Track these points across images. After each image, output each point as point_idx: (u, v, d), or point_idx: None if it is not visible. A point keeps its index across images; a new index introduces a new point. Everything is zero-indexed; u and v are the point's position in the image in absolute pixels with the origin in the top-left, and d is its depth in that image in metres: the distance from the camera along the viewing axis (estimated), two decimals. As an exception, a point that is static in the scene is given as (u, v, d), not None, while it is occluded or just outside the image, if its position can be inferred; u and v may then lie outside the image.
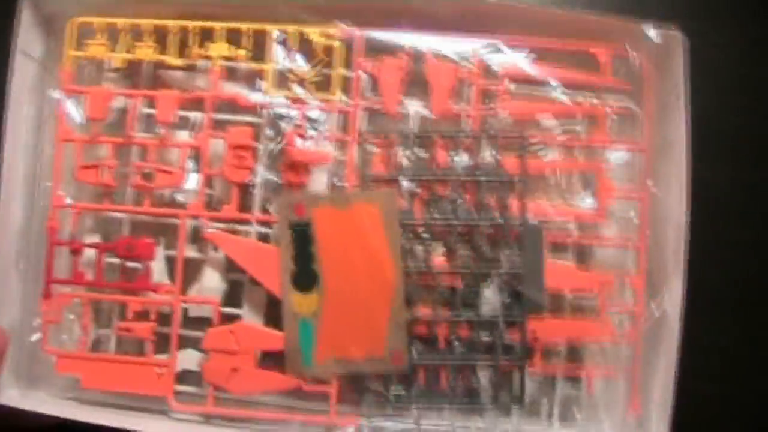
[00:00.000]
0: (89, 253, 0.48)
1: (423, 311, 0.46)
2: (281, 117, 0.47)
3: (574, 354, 0.48)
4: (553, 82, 0.47)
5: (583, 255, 0.48)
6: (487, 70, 0.47)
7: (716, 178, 0.47)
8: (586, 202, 0.48)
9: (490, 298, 0.46)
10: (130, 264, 0.47)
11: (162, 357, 0.47)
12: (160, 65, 0.49)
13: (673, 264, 0.45)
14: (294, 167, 0.46)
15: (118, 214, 0.49)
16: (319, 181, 0.48)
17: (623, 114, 0.47)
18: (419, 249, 0.46)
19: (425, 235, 0.46)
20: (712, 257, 0.47)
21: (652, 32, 0.46)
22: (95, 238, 0.48)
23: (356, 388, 0.46)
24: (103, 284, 0.47)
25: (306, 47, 0.48)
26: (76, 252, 0.47)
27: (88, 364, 0.47)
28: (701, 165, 0.45)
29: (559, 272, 0.46)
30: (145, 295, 0.47)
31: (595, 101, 0.48)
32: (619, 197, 0.47)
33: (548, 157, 0.48)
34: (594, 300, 0.47)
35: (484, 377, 0.46)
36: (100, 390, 0.47)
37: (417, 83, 0.48)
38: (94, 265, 0.47)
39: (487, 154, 0.47)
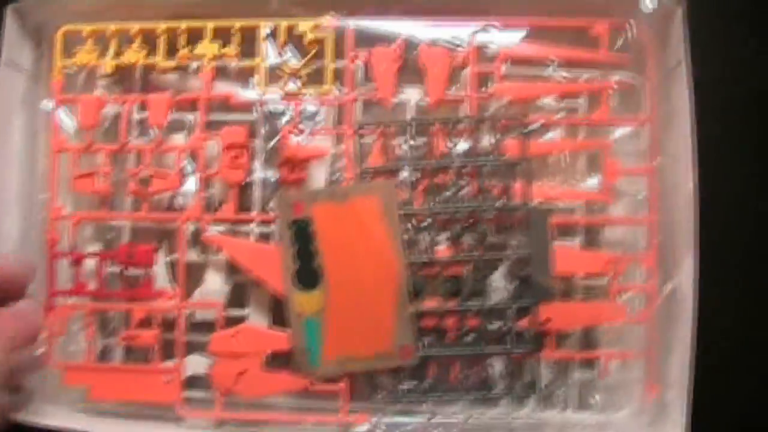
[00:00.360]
0: (90, 263, 0.47)
1: (430, 303, 0.45)
2: (275, 113, 0.47)
3: (588, 338, 0.47)
4: (551, 61, 0.46)
5: (592, 238, 0.47)
6: (482, 54, 0.46)
7: (725, 150, 0.45)
8: (592, 183, 0.46)
9: (498, 285, 0.45)
10: (132, 271, 0.47)
11: (169, 363, 0.46)
12: (151, 69, 0.48)
13: (685, 238, 0.44)
14: (291, 164, 0.46)
15: (118, 222, 0.48)
16: (318, 177, 0.47)
17: (624, 89, 0.46)
18: (423, 240, 0.45)
19: (428, 225, 0.45)
20: (724, 233, 0.45)
21: (647, 1, 0.45)
22: (95, 247, 0.48)
23: (366, 384, 0.45)
24: (105, 294, 0.47)
25: (296, 41, 0.47)
26: (76, 263, 0.47)
27: (95, 375, 0.47)
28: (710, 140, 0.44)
29: (567, 256, 0.45)
30: (149, 302, 0.47)
31: (595, 75, 0.46)
32: (625, 174, 0.46)
33: (550, 138, 0.46)
34: (606, 282, 0.46)
35: (496, 367, 0.45)
36: (109, 400, 0.47)
37: (412, 71, 0.47)
38: (96, 274, 0.47)
39: (487, 139, 0.46)
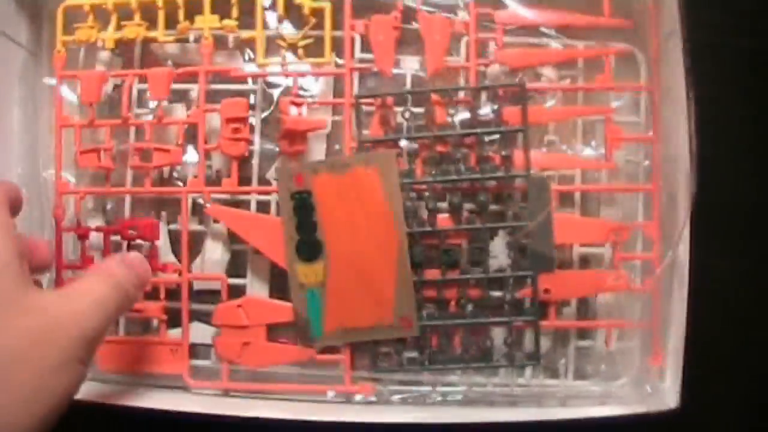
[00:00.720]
0: (93, 235, 0.48)
1: (431, 273, 0.45)
2: (274, 85, 0.47)
3: (585, 308, 0.47)
4: (551, 28, 0.45)
5: (588, 207, 0.47)
6: (482, 20, 0.46)
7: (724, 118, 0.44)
8: (590, 151, 0.46)
9: (499, 255, 0.45)
10: (136, 243, 0.47)
11: (174, 334, 0.47)
12: (151, 42, 0.48)
13: (683, 208, 0.43)
14: (290, 136, 0.46)
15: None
16: (318, 149, 0.47)
17: (622, 58, 0.45)
18: (423, 210, 0.45)
19: (428, 196, 0.45)
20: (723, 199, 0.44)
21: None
22: (97, 219, 0.49)
23: (369, 354, 0.46)
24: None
25: (295, 12, 0.47)
26: (82, 237, 0.47)
27: (103, 346, 0.47)
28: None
29: (569, 224, 0.45)
30: (154, 274, 0.47)
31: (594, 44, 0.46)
32: (627, 141, 0.45)
33: (550, 106, 0.46)
34: (604, 251, 0.46)
35: (497, 336, 0.45)
36: (117, 372, 0.48)
37: (411, 41, 0.46)
38: (101, 247, 0.47)
39: (487, 108, 0.45)
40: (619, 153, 0.45)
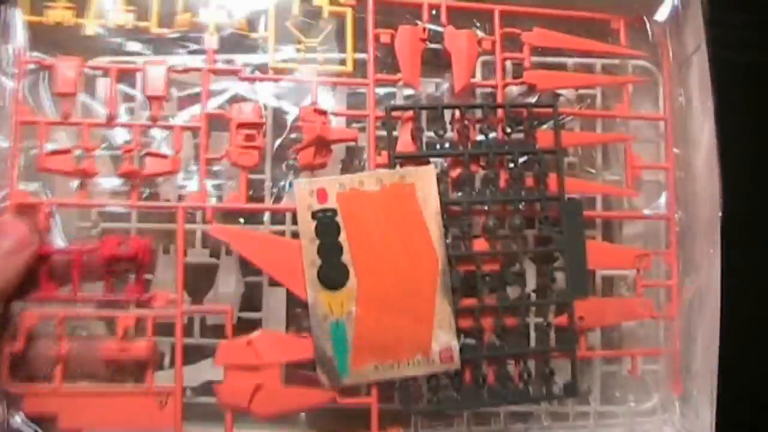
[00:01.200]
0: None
1: (466, 301, 0.41)
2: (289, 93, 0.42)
3: (610, 333, 0.46)
4: (571, 52, 0.46)
5: (610, 232, 0.46)
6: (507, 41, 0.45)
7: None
8: (610, 176, 0.47)
9: (529, 281, 0.43)
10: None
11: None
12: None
13: (708, 233, 0.44)
14: (317, 145, 0.40)
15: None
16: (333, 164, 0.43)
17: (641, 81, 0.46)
18: (457, 232, 0.42)
19: (463, 217, 0.42)
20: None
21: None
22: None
23: (399, 393, 0.40)
24: (80, 298, 0.38)
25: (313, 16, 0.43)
26: (42, 259, 0.38)
27: (66, 401, 0.38)
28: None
29: (598, 250, 0.43)
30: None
31: (612, 62, 0.46)
32: (646, 168, 0.45)
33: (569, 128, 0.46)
34: (628, 274, 0.45)
35: (532, 367, 0.42)
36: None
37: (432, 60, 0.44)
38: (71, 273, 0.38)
39: (519, 128, 0.43)
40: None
